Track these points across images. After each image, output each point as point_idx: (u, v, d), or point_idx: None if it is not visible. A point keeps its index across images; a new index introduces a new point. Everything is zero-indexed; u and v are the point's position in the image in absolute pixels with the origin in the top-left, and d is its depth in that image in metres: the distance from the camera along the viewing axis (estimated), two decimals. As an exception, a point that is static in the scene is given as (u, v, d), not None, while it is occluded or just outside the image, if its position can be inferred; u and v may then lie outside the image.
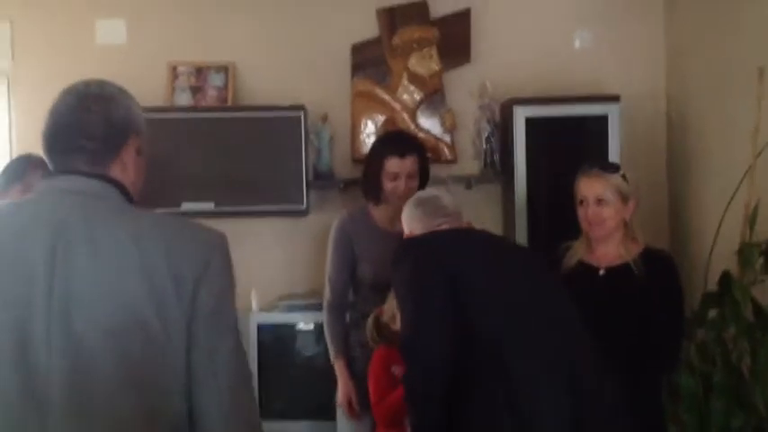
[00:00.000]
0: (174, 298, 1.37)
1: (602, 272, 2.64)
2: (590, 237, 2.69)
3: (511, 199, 3.60)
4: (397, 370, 2.61)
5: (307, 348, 3.44)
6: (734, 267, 2.72)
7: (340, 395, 2.94)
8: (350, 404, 2.92)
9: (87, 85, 1.51)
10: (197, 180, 3.47)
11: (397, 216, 2.99)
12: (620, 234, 2.65)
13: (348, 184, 3.67)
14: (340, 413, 2.99)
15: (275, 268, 3.76)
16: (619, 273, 2.60)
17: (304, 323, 3.42)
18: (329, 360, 3.03)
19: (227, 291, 1.46)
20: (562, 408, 2.01)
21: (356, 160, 3.76)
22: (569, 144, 3.53)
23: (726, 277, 2.69)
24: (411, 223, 2.47)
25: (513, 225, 3.56)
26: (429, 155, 3.25)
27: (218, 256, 1.45)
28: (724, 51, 3.16)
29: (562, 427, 2.01)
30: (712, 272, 2.80)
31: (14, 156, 3.70)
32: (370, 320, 2.73)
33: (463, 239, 2.35)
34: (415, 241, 2.37)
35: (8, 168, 2.86)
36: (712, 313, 2.67)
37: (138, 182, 1.57)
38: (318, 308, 3.15)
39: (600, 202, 2.64)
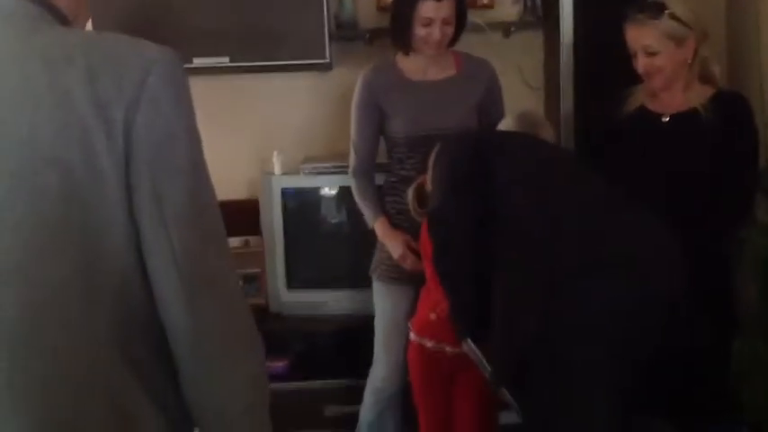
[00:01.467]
0: (99, 132, 1.08)
1: (665, 118, 2.35)
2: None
3: (555, 47, 3.25)
4: None
5: (334, 214, 3.21)
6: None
7: (397, 250, 2.61)
8: (411, 253, 2.59)
9: None
10: (209, 32, 3.13)
11: (429, 65, 2.68)
12: (683, 78, 2.35)
13: (374, 35, 3.33)
14: (376, 281, 2.75)
15: (298, 128, 3.48)
16: (685, 119, 2.32)
17: (330, 187, 3.17)
18: (358, 226, 2.78)
19: (176, 121, 1.14)
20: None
21: (382, 8, 3.40)
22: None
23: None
24: None
25: (557, 77, 3.23)
26: (464, -2, 2.88)
27: (159, 75, 1.12)
28: None
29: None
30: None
31: None
32: (410, 191, 2.47)
33: (510, 135, 2.36)
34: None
35: None
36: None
37: (83, 6, 1.28)
38: (346, 170, 2.88)
39: (649, 52, 2.33)
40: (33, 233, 1.09)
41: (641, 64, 2.38)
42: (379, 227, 2.67)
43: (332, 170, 3.13)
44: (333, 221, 3.21)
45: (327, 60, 3.20)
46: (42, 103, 1.09)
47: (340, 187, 3.10)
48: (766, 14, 3.00)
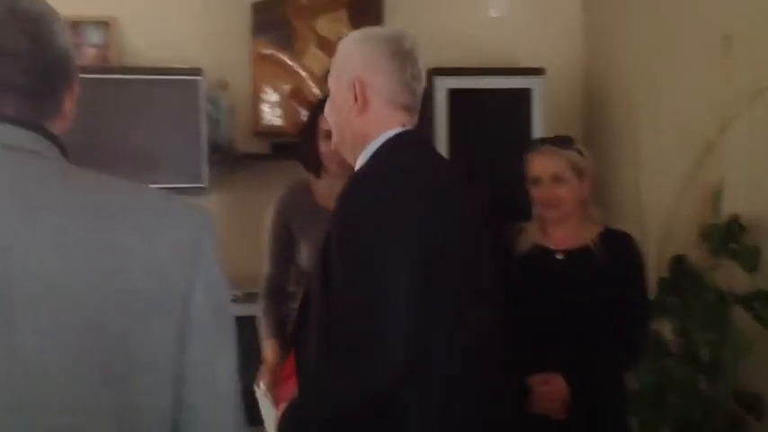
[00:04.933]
0: (159, 296, 0.98)
1: (559, 255, 2.42)
2: (544, 219, 2.46)
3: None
4: None
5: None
6: (664, 252, 2.59)
7: (265, 367, 2.44)
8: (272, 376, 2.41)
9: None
10: (76, 153, 2.91)
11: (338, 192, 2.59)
12: (578, 214, 2.44)
13: (251, 160, 3.29)
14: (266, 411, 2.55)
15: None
16: (578, 256, 2.38)
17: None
18: (247, 358, 2.60)
19: (223, 288, 1.07)
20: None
21: (258, 133, 3.38)
22: (493, 118, 3.32)
23: (679, 262, 2.55)
24: (379, 69, 1.63)
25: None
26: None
27: (210, 239, 1.05)
28: (646, 26, 3.04)
29: None
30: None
31: None
32: None
33: (440, 194, 1.62)
34: (380, 181, 1.58)
35: None
36: (670, 301, 2.52)
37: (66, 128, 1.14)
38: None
39: (556, 180, 2.41)
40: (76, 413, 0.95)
41: (546, 193, 2.39)
42: (268, 345, 2.51)
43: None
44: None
45: (205, 184, 3.10)
46: (100, 263, 0.95)
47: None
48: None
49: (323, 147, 2.48)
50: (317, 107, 2.54)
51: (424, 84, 1.69)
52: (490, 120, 3.31)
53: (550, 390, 2.23)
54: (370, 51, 1.64)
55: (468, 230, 1.66)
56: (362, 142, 1.64)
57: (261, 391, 2.36)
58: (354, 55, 1.65)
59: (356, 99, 1.62)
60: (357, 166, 1.64)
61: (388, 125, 1.63)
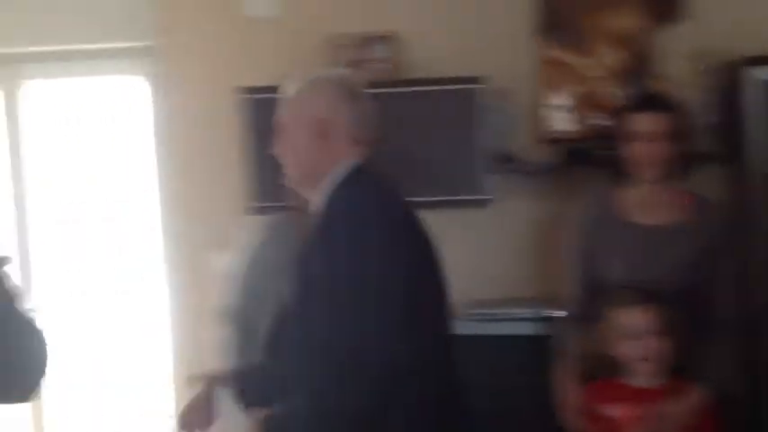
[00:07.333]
0: None
1: None
2: None
3: (741, 183, 2.94)
4: (611, 410, 2.18)
5: (507, 366, 2.86)
6: None
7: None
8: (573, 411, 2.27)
9: None
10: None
11: (653, 204, 2.29)
12: None
13: (535, 169, 3.11)
14: None
15: (458, 269, 3.23)
16: None
17: (503, 336, 2.87)
18: (540, 381, 2.42)
19: None
20: None
21: (544, 140, 3.20)
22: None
23: None
24: (338, 110, 1.83)
25: (746, 215, 2.89)
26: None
27: None
28: None
29: None
30: None
31: (161, 140, 3.42)
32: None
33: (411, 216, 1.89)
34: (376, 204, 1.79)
35: None
36: None
37: None
38: (519, 317, 2.66)
39: None
40: None
41: None
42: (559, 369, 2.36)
43: (504, 317, 2.88)
44: (506, 373, 2.85)
45: (487, 196, 3.00)
46: None
47: (515, 336, 2.84)
48: None
49: (633, 149, 2.25)
50: (627, 107, 2.39)
51: (376, 114, 1.89)
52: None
53: None
54: (329, 94, 1.84)
55: (427, 254, 1.89)
56: (324, 175, 1.82)
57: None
58: (314, 98, 1.85)
59: (318, 137, 1.81)
60: (320, 195, 1.81)
61: (346, 158, 1.82)
